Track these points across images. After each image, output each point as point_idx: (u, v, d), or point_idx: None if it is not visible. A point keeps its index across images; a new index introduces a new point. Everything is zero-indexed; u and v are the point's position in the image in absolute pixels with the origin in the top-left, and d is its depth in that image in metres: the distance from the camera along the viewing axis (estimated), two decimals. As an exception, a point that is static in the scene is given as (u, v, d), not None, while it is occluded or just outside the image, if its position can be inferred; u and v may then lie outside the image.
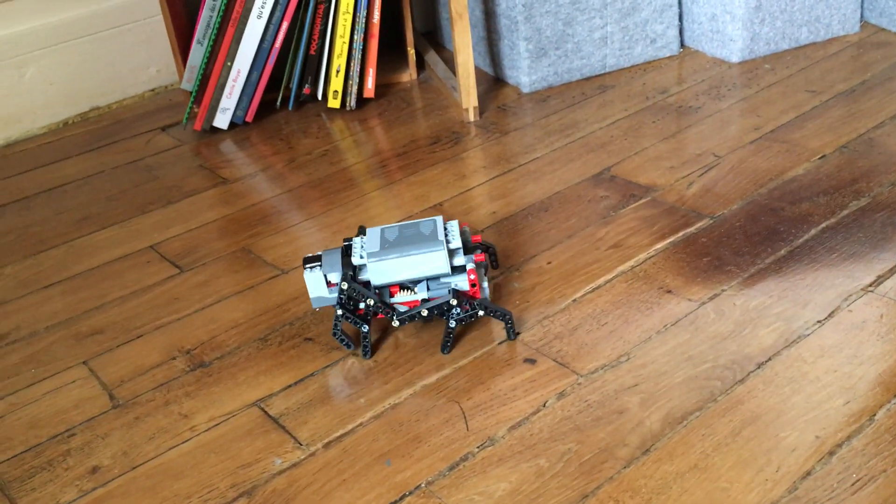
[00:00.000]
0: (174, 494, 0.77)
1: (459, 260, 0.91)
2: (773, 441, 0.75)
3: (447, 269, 0.90)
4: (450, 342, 0.90)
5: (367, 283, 0.91)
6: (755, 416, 0.78)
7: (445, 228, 0.93)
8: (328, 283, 0.91)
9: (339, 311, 0.90)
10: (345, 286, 0.89)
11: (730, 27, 1.49)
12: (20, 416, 0.88)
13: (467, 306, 0.89)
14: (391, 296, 0.91)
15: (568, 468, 0.75)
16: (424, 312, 0.90)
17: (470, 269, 0.90)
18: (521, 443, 0.78)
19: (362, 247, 0.92)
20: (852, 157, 1.18)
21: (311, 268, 0.91)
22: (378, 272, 0.89)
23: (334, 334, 0.91)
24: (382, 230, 0.92)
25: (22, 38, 1.49)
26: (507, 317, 0.90)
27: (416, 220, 0.94)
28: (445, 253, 0.89)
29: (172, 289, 1.07)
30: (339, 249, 0.93)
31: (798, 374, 0.82)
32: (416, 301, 0.91)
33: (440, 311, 0.90)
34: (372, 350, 0.91)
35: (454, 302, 0.89)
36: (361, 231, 0.95)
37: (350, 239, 0.95)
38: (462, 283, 0.91)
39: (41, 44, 1.51)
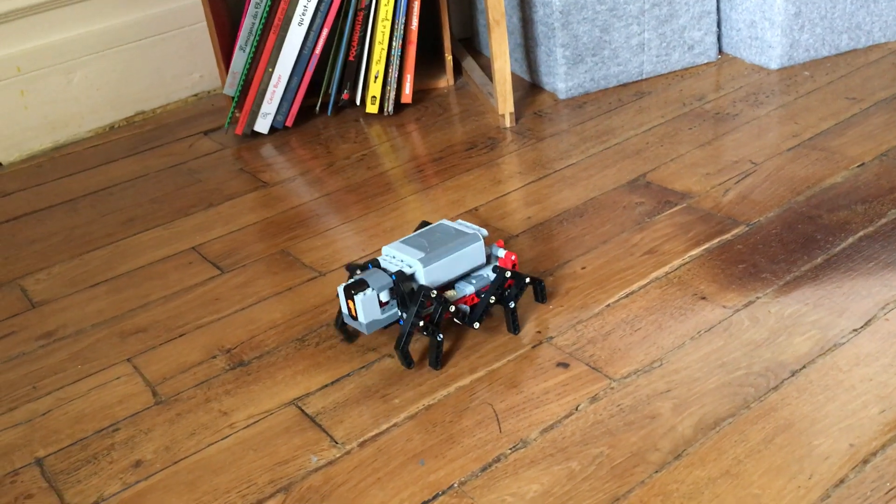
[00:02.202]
0: (214, 489, 0.79)
1: (487, 250, 0.95)
2: (806, 448, 0.75)
3: (484, 259, 0.94)
4: (517, 321, 0.93)
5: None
6: (789, 424, 0.78)
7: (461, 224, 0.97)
8: (381, 304, 0.90)
9: (421, 323, 0.88)
10: (433, 293, 0.88)
11: (769, 34, 1.48)
12: (67, 410, 0.91)
13: (518, 280, 0.94)
14: None
15: (599, 471, 0.76)
16: (493, 300, 0.92)
17: (508, 252, 0.95)
18: (553, 445, 0.79)
19: (402, 260, 0.92)
20: (892, 166, 1.17)
21: (361, 292, 0.89)
22: (432, 276, 0.91)
23: (404, 352, 0.89)
24: (405, 242, 0.93)
25: (70, 44, 1.54)
26: (542, 282, 0.96)
27: (424, 229, 0.96)
28: (482, 243, 0.93)
29: (213, 289, 1.09)
30: (377, 269, 0.92)
31: (833, 383, 0.82)
32: (467, 297, 0.93)
33: (506, 295, 0.93)
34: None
35: (510, 276, 0.92)
36: (350, 270, 0.94)
37: (362, 269, 0.94)
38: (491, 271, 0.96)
39: (88, 50, 1.56)
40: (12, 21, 1.48)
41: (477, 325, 0.92)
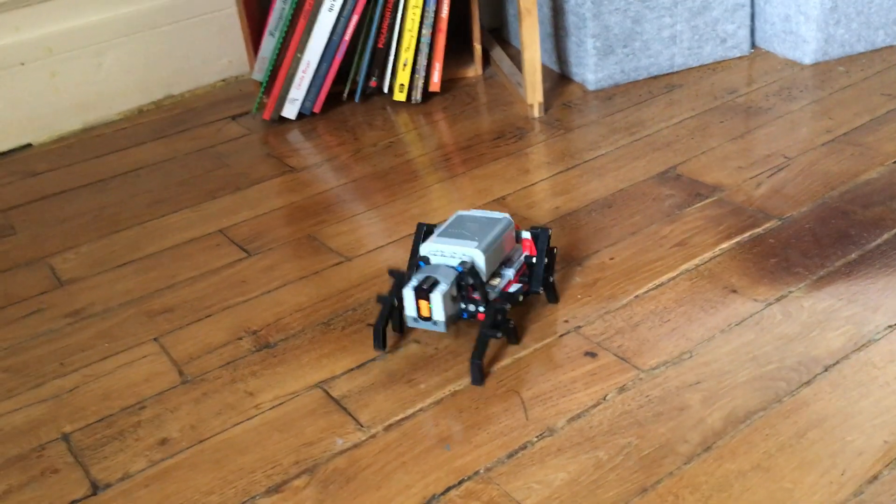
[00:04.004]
0: (239, 468, 0.79)
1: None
2: (839, 444, 0.74)
3: (515, 241, 0.94)
4: (557, 290, 0.97)
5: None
6: (821, 419, 0.77)
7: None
8: (452, 298, 0.88)
9: (498, 335, 0.87)
10: (507, 307, 0.87)
11: (803, 28, 1.46)
12: (93, 387, 0.92)
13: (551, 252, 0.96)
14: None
15: (627, 461, 0.75)
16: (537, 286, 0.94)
17: (526, 239, 0.96)
18: (580, 434, 0.78)
19: (454, 254, 0.89)
20: (929, 162, 1.15)
21: (437, 289, 0.85)
22: (490, 263, 0.90)
23: (481, 368, 0.86)
24: (443, 236, 0.90)
25: (101, 26, 1.54)
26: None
27: (450, 222, 0.93)
28: (514, 226, 0.94)
29: (240, 272, 1.09)
30: (433, 265, 0.89)
31: (867, 379, 0.81)
32: (512, 281, 0.93)
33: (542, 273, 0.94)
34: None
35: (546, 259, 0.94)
36: (395, 276, 0.91)
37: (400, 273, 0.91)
38: (521, 253, 0.96)
39: (119, 33, 1.56)
40: (44, 2, 1.49)
41: (541, 289, 0.94)
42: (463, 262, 0.88)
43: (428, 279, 0.87)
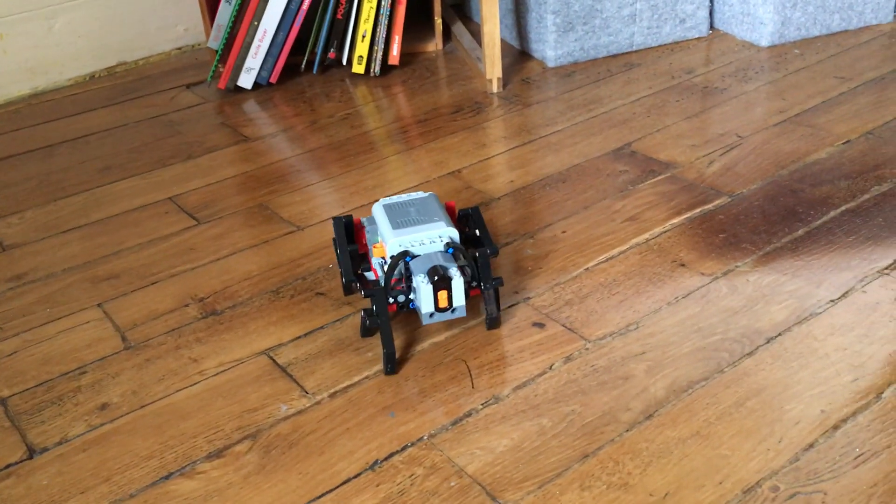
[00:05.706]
0: (181, 433, 0.78)
1: None
2: (777, 413, 0.75)
3: None
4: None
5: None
6: (761, 389, 0.78)
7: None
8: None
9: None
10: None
11: (761, 10, 1.47)
12: (33, 352, 0.90)
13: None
14: None
15: (570, 428, 0.75)
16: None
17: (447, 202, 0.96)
18: (525, 402, 0.79)
19: (432, 240, 0.85)
20: (877, 144, 1.17)
21: (457, 276, 0.82)
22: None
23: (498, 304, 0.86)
24: (402, 227, 0.86)
25: (53, -11, 1.50)
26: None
27: (390, 211, 0.89)
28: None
29: (189, 239, 1.08)
30: (424, 255, 0.85)
31: (807, 350, 0.82)
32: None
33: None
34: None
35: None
36: (363, 289, 0.85)
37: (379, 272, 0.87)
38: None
39: (72, -3, 1.52)
40: (-7, -38, 1.45)
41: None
42: (447, 244, 0.85)
43: (435, 269, 0.82)
